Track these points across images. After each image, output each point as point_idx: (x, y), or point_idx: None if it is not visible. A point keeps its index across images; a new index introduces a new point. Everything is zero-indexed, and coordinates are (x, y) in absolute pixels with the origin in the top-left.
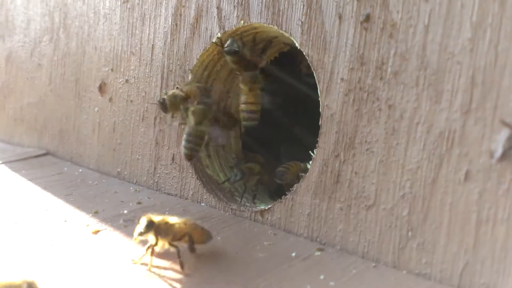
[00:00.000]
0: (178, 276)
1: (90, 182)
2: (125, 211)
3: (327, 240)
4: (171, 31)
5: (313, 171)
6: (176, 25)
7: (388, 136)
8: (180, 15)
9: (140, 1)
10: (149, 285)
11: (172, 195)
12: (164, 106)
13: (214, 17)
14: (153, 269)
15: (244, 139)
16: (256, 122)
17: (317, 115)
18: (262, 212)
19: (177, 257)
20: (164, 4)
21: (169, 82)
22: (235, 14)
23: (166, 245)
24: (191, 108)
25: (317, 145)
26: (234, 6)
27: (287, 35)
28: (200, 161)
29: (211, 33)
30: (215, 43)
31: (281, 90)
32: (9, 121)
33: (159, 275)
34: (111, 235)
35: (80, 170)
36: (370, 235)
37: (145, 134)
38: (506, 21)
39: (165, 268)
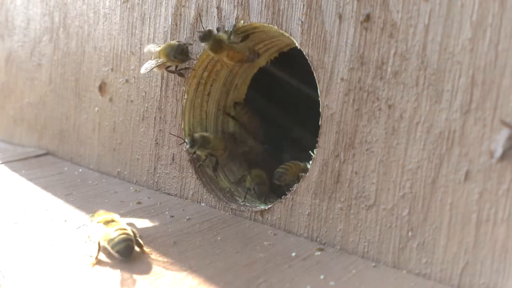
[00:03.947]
0: (179, 275)
1: (90, 182)
2: (125, 211)
3: (327, 240)
4: (171, 31)
5: (313, 171)
6: (176, 25)
7: (388, 136)
8: (180, 15)
9: (140, 1)
10: (150, 285)
11: (172, 195)
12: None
13: (214, 17)
14: (153, 269)
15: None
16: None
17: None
18: (262, 212)
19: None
20: (164, 4)
21: (169, 82)
22: (235, 14)
23: None
24: None
25: (317, 145)
26: (234, 6)
27: (287, 34)
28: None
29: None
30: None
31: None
32: (9, 121)
33: (160, 275)
34: None
35: (80, 170)
36: (370, 235)
37: (145, 134)
38: (506, 21)
39: (165, 268)
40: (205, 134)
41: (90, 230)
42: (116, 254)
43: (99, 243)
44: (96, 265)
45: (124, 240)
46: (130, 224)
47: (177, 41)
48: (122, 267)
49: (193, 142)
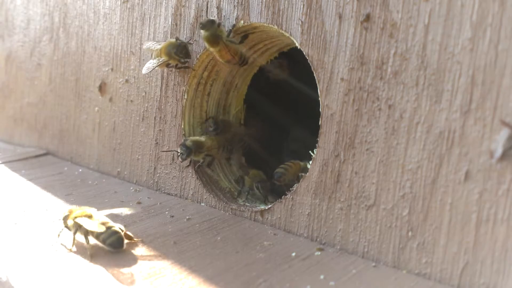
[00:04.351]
0: (179, 275)
1: (90, 182)
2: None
3: (327, 240)
4: (171, 31)
5: (313, 171)
6: (176, 25)
7: (388, 136)
8: (180, 15)
9: (140, 1)
10: (150, 285)
11: (172, 195)
12: None
13: (214, 17)
14: (153, 269)
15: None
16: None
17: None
18: (262, 212)
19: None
20: (164, 4)
21: (169, 82)
22: (235, 14)
23: None
24: None
25: (317, 145)
26: (234, 6)
27: (287, 34)
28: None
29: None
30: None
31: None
32: (9, 121)
33: (160, 275)
34: None
35: (80, 170)
36: (370, 235)
37: (145, 134)
38: (506, 21)
39: (165, 268)
40: (196, 138)
41: (73, 227)
42: (108, 247)
43: (87, 239)
44: (96, 265)
45: (114, 232)
46: (109, 216)
47: (176, 38)
48: (122, 267)
49: (187, 151)
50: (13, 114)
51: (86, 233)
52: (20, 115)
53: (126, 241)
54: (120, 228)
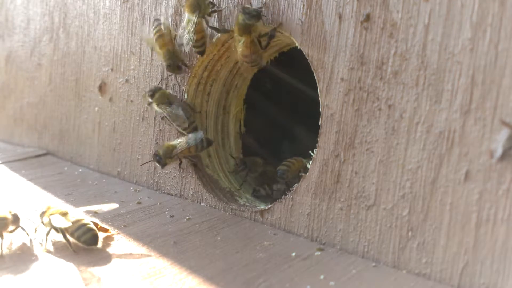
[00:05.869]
0: (179, 275)
1: (90, 182)
2: (125, 211)
3: (327, 240)
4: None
5: (313, 171)
6: (176, 25)
7: (388, 136)
8: (180, 15)
9: (140, 1)
10: (150, 285)
11: (172, 195)
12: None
13: (214, 16)
14: (153, 269)
15: (244, 139)
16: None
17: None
18: (262, 212)
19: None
20: (164, 4)
21: (169, 82)
22: (235, 14)
23: None
24: None
25: (317, 145)
26: (234, 6)
27: (287, 34)
28: (200, 160)
29: (211, 33)
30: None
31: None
32: (9, 121)
33: (160, 275)
34: None
35: (80, 170)
36: (370, 235)
37: (145, 134)
38: (506, 21)
39: (165, 268)
40: (168, 144)
41: (48, 225)
42: (82, 245)
43: (66, 235)
44: (96, 266)
45: (89, 229)
46: (98, 211)
47: (177, 44)
48: (122, 267)
49: (158, 159)
50: (13, 114)
51: (62, 230)
52: (20, 115)
53: (104, 234)
54: (93, 222)
